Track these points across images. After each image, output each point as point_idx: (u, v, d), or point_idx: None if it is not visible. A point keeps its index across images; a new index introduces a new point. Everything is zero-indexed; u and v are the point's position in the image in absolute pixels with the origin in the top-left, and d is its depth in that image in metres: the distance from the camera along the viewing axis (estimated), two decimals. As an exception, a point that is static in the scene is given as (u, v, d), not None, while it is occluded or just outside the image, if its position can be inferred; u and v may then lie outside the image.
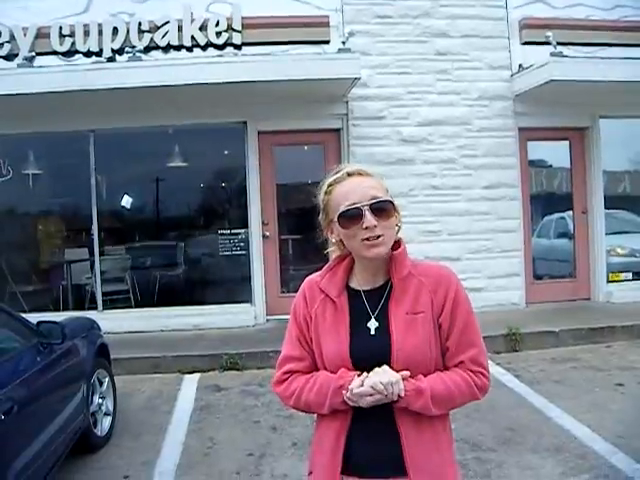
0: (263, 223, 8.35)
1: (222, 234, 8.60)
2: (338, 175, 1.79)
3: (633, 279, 9.11)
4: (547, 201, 9.46)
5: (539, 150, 9.20)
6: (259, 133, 8.32)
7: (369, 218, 1.70)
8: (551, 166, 9.68)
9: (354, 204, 1.72)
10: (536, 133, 8.73)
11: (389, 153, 8.16)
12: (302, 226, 8.69)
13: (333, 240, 1.85)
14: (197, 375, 6.57)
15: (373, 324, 1.78)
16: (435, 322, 1.76)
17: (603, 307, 8.58)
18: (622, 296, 8.60)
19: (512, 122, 8.54)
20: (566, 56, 7.86)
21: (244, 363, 6.70)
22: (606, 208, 8.92)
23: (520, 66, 8.46)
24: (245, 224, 8.43)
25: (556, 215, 9.58)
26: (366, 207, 1.71)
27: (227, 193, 9.33)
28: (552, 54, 7.77)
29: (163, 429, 5.05)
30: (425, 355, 1.74)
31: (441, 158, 8.32)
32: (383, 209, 1.74)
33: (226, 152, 8.94)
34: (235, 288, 8.76)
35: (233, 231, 8.58)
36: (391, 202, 1.76)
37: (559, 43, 7.93)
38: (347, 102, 8.24)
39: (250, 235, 8.36)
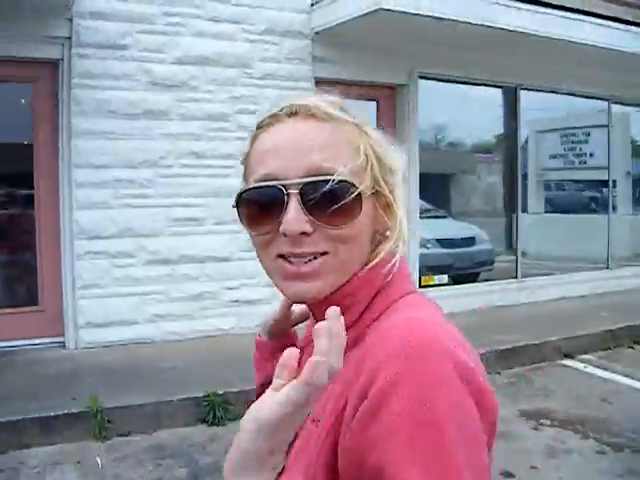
0: None
1: None
2: (274, 112, 0.84)
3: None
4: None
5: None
6: None
7: (293, 215, 0.78)
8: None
9: (272, 178, 0.80)
10: (336, 88, 6.59)
11: (131, 101, 5.61)
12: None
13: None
14: None
15: None
16: (331, 452, 0.74)
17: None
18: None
19: (309, 69, 6.34)
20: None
21: None
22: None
23: (324, -8, 6.28)
24: None
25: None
26: (293, 189, 0.79)
27: None
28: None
29: None
30: None
31: (208, 113, 5.91)
32: (331, 200, 0.78)
33: None
34: None
35: None
36: (352, 185, 0.79)
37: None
38: (71, 20, 5.50)
39: None
